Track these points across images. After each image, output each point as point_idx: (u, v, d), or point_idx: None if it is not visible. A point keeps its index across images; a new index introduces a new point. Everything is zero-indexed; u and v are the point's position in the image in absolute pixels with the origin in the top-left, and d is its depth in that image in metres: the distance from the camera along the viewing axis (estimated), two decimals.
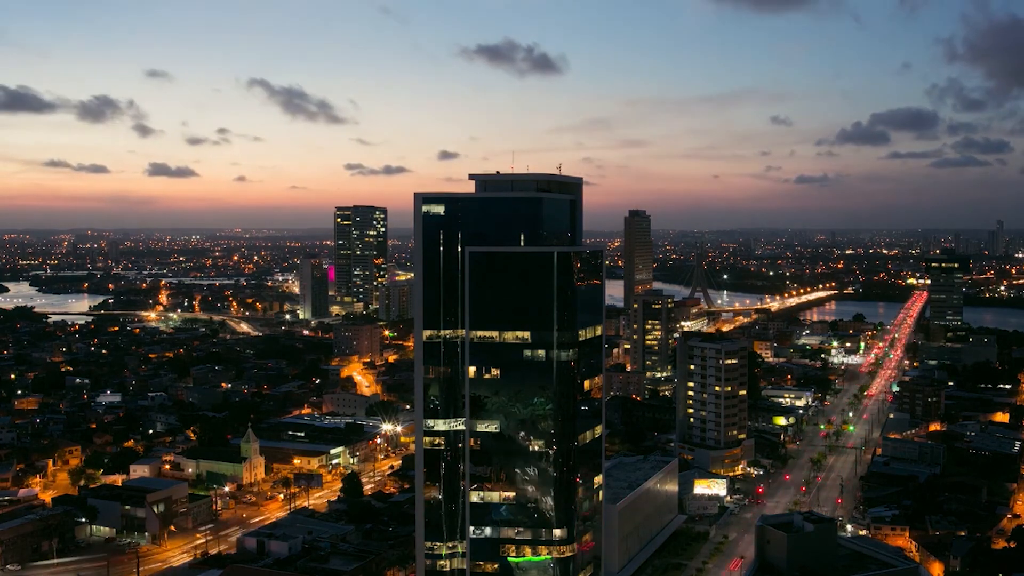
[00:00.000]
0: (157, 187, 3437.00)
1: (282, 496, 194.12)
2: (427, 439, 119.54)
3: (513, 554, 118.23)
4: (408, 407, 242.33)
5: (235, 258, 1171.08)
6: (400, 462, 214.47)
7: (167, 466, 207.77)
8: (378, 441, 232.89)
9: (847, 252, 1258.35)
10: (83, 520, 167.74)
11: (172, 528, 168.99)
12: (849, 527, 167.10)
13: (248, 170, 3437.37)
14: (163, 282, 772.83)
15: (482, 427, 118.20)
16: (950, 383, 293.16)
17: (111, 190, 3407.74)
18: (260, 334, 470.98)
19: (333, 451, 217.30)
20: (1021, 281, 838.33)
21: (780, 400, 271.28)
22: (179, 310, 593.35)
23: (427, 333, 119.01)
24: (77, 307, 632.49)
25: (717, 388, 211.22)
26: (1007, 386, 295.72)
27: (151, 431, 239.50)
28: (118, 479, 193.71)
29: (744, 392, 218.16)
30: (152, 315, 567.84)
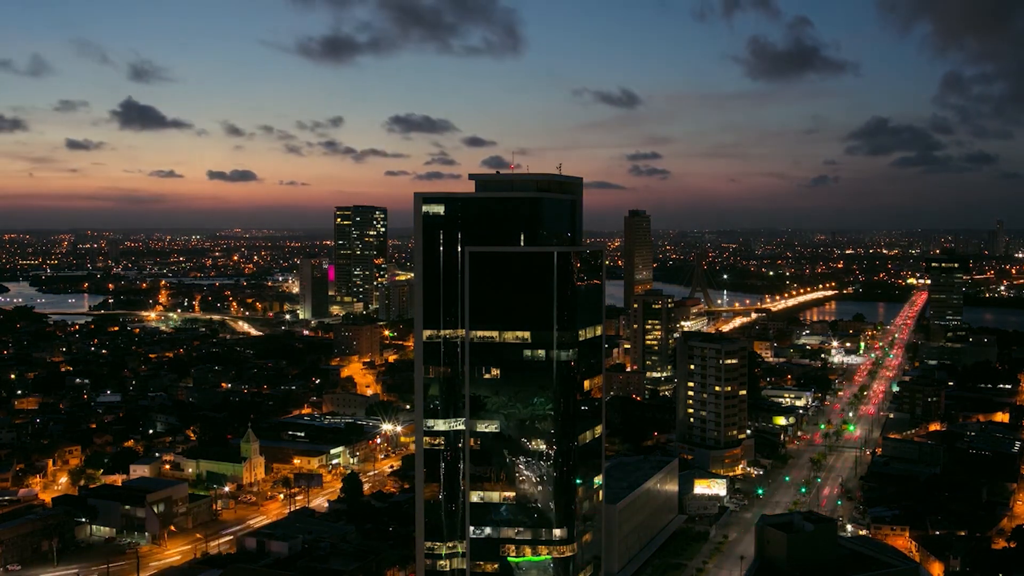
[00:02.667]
0: (215, 190, 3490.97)
1: (282, 496, 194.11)
2: (427, 439, 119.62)
3: (513, 554, 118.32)
4: (408, 407, 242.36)
5: (235, 258, 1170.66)
6: (400, 462, 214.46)
7: (167, 466, 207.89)
8: (378, 441, 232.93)
9: (847, 252, 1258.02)
10: (83, 520, 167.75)
11: (172, 528, 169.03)
12: (849, 527, 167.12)
13: (307, 176, 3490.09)
14: (163, 282, 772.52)
15: (482, 427, 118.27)
16: (950, 383, 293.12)
17: (176, 192, 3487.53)
18: (260, 334, 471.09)
19: (333, 451, 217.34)
20: (1021, 281, 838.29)
21: (780, 400, 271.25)
22: (179, 310, 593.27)
23: (427, 333, 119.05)
24: (77, 307, 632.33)
25: (717, 388, 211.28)
26: (1007, 386, 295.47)
27: (151, 431, 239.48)
28: (118, 479, 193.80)
29: (744, 392, 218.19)
30: (152, 315, 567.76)
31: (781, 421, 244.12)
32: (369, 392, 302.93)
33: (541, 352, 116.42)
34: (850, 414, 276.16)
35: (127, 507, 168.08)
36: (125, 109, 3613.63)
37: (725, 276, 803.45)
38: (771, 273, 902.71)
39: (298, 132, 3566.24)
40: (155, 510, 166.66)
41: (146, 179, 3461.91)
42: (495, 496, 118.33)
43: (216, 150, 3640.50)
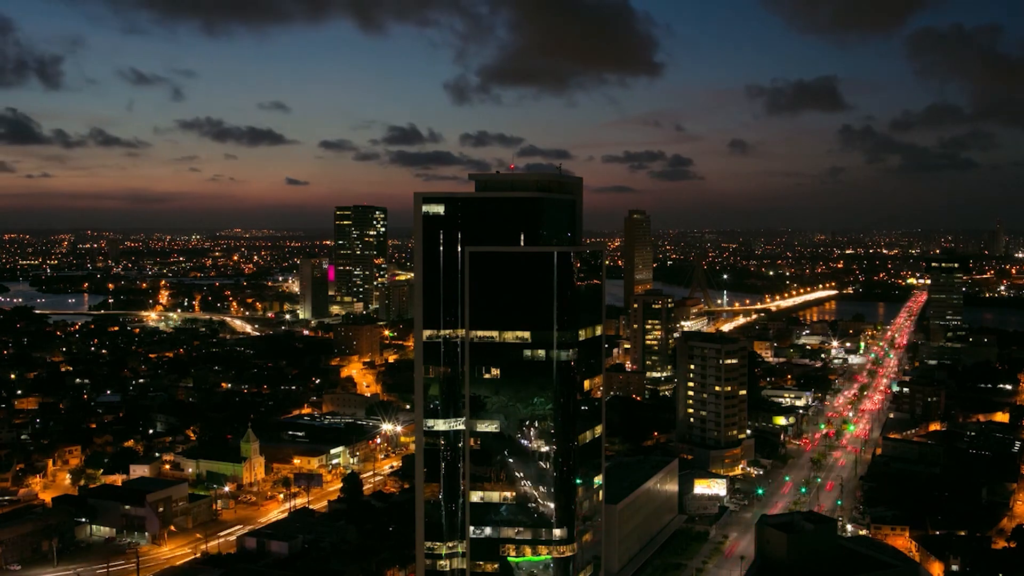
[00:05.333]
0: (285, 193, 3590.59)
1: (282, 496, 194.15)
2: (427, 439, 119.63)
3: (513, 554, 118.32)
4: (408, 407, 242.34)
5: (235, 258, 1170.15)
6: (400, 462, 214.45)
7: (167, 466, 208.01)
8: (378, 441, 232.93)
9: (847, 252, 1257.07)
10: (83, 520, 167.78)
11: (172, 528, 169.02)
12: (849, 527, 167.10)
13: (340, 180, 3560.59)
14: (163, 282, 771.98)
15: (482, 427, 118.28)
16: (950, 383, 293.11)
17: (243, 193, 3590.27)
18: (260, 334, 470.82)
19: (333, 451, 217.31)
20: (1021, 281, 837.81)
21: (780, 400, 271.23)
22: (179, 310, 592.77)
23: (427, 333, 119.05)
24: (77, 307, 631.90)
25: (717, 388, 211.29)
26: (1007, 386, 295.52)
27: (151, 431, 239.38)
28: (118, 479, 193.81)
29: (744, 392, 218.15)
30: (152, 315, 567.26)
31: (781, 421, 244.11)
32: (369, 392, 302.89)
33: (541, 352, 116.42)
34: (850, 414, 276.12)
35: (127, 507, 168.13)
36: (249, 130, 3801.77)
37: (725, 276, 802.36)
38: (771, 273, 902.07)
39: (380, 146, 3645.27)
40: (155, 510, 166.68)
41: (204, 183, 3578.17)
42: (495, 496, 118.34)
43: (297, 162, 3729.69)
